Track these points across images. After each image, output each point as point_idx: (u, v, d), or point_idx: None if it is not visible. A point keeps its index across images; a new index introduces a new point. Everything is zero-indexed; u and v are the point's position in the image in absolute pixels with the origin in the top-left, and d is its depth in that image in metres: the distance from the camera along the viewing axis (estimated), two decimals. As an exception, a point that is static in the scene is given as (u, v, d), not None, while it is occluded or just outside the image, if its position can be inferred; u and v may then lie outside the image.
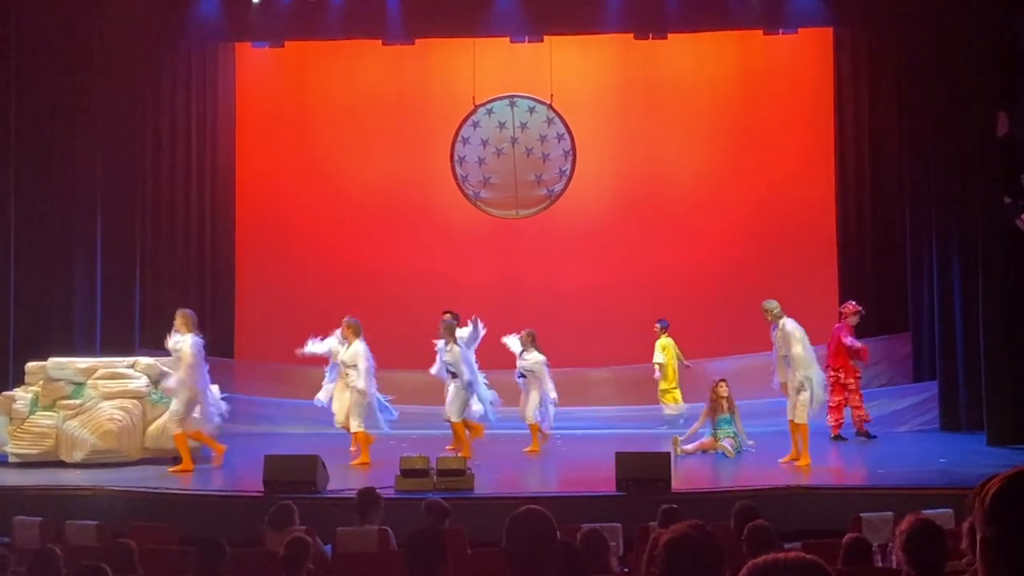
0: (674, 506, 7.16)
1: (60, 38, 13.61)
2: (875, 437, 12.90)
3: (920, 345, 14.11)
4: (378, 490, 7.87)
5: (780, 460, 11.23)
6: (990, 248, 12.47)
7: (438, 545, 4.24)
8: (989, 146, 12.58)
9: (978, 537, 2.24)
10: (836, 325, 12.99)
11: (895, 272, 14.45)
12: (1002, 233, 12.44)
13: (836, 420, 12.81)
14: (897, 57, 14.50)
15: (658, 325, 14.27)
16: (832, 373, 12.64)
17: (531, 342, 12.75)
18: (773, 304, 11.47)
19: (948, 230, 13.46)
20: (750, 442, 12.24)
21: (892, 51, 14.61)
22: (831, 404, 12.67)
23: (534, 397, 12.63)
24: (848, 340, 12.77)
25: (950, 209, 13.41)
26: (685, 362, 14.32)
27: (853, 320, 12.93)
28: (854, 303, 13.10)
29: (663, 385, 14.24)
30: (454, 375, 12.22)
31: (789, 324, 11.24)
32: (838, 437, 12.85)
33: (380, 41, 14.78)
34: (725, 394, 12.28)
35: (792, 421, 11.19)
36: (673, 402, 14.24)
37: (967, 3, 12.93)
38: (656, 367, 14.13)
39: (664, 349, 14.18)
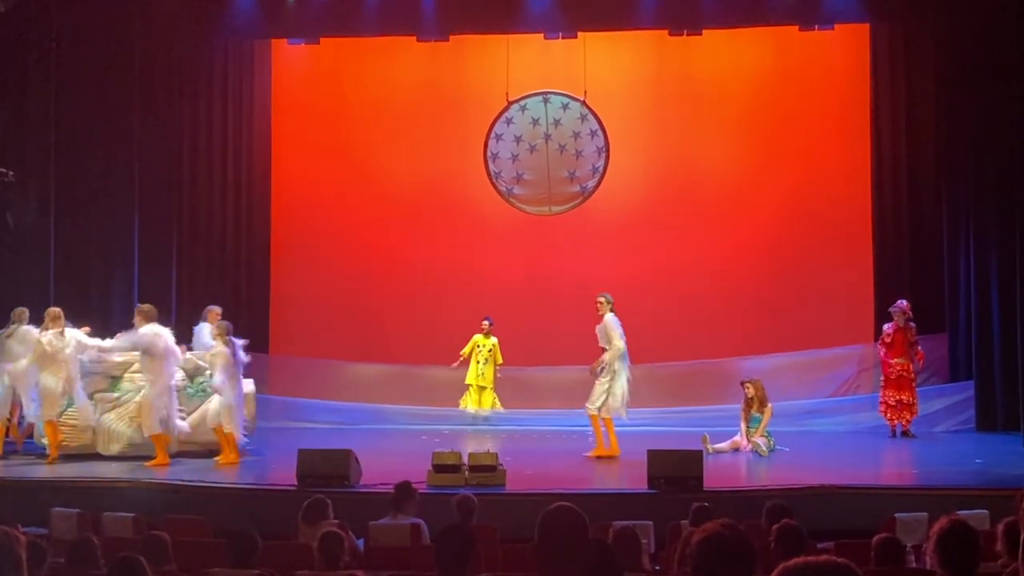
0: (706, 505, 7.13)
1: (98, 36, 13.77)
2: (915, 436, 12.91)
3: (956, 345, 13.97)
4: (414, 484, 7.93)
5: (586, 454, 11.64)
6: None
7: (467, 541, 4.25)
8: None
9: (1022, 539, 2.23)
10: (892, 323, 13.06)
11: (932, 270, 14.30)
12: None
13: (900, 416, 12.88)
14: (934, 52, 14.36)
15: (485, 322, 14.47)
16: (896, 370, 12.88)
17: (218, 334, 11.43)
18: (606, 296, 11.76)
19: (986, 228, 13.33)
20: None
21: (929, 47, 14.46)
22: (890, 402, 12.75)
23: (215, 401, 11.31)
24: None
25: (988, 207, 13.29)
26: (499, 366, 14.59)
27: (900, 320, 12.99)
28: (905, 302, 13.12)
29: (481, 382, 14.39)
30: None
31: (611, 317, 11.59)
32: (907, 433, 12.89)
33: (415, 37, 14.83)
34: (749, 395, 12.25)
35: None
36: (475, 404, 14.41)
37: (1006, -2, 12.80)
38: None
39: (485, 347, 14.41)
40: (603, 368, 11.54)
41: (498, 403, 14.55)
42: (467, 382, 14.47)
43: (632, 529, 6.06)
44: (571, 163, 15.61)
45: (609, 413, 11.56)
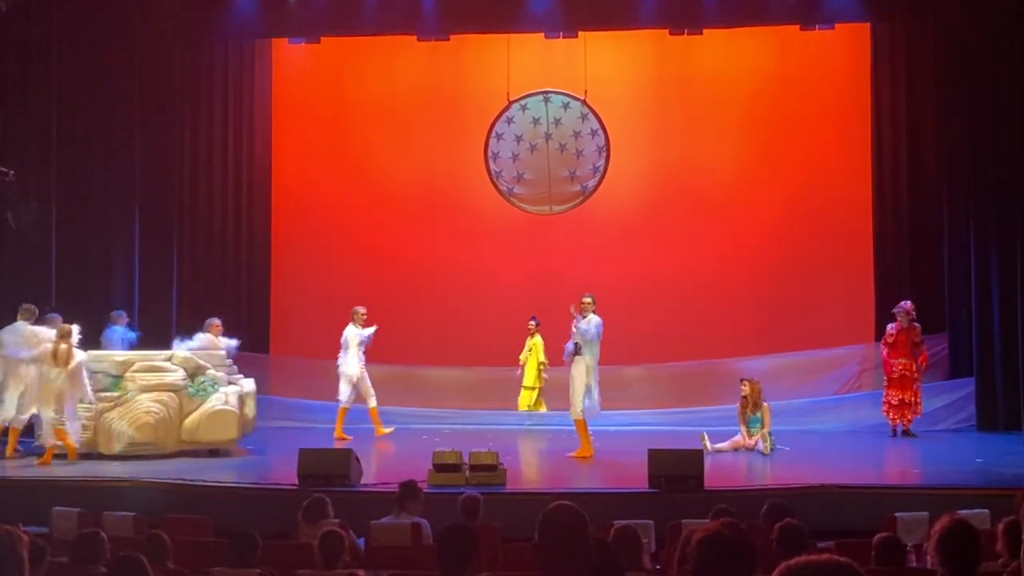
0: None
1: (98, 36, 13.79)
2: (916, 435, 12.90)
3: (957, 344, 13.97)
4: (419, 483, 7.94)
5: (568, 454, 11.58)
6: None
7: (469, 540, 4.25)
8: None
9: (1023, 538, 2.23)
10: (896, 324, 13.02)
11: (932, 270, 14.31)
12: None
13: (902, 416, 12.89)
14: (934, 52, 14.36)
15: (532, 323, 14.37)
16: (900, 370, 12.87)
17: (63, 336, 11.18)
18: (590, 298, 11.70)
19: (986, 228, 13.33)
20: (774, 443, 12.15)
21: (929, 47, 14.46)
22: (893, 402, 12.76)
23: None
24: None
25: (988, 207, 13.29)
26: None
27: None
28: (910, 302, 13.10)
29: (526, 382, 14.33)
30: None
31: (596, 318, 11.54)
32: (908, 433, 12.88)
33: (415, 37, 14.83)
34: (745, 393, 12.24)
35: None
36: (527, 406, 14.32)
37: (1007, -2, 12.81)
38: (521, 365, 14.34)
39: (532, 348, 14.32)
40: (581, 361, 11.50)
41: (532, 404, 14.43)
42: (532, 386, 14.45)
43: (633, 528, 6.05)
44: (572, 162, 15.62)
45: (593, 415, 11.54)
